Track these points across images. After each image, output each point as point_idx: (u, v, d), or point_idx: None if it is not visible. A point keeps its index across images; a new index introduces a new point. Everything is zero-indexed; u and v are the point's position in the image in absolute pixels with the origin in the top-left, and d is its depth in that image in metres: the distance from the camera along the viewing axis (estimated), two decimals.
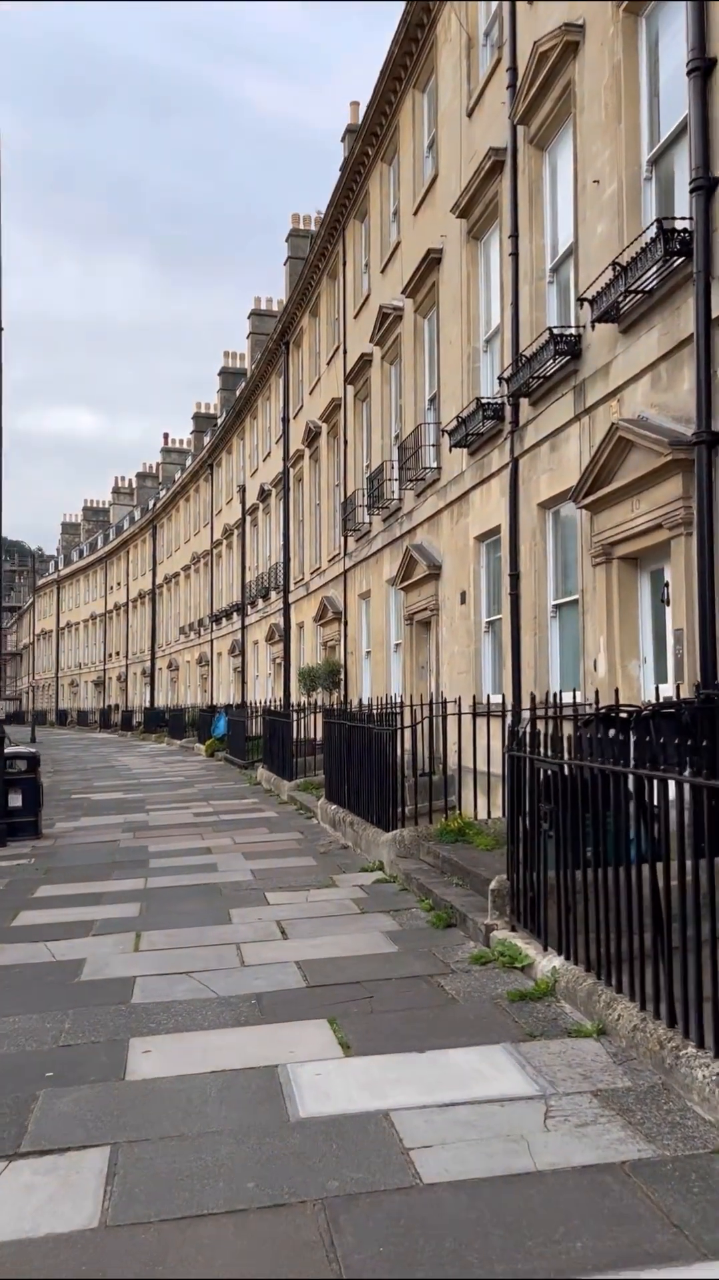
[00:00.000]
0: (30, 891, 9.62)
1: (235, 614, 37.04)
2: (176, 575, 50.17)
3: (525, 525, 11.63)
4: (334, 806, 12.74)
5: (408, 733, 10.46)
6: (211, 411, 53.07)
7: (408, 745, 10.34)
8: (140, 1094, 4.57)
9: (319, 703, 23.58)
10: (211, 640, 41.58)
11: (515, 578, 11.73)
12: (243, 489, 35.92)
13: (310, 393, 26.00)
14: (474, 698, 12.13)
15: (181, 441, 63.16)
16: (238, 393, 38.53)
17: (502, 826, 8.46)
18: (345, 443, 21.78)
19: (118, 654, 64.88)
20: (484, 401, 12.37)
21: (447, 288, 14.81)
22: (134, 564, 61.74)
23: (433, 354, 16.13)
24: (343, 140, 25.05)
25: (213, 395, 53.37)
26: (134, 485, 74.05)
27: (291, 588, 28.02)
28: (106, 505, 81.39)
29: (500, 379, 11.86)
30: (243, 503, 35.63)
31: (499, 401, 12.26)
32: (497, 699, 12.40)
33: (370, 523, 19.53)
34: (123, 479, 77.83)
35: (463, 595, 13.95)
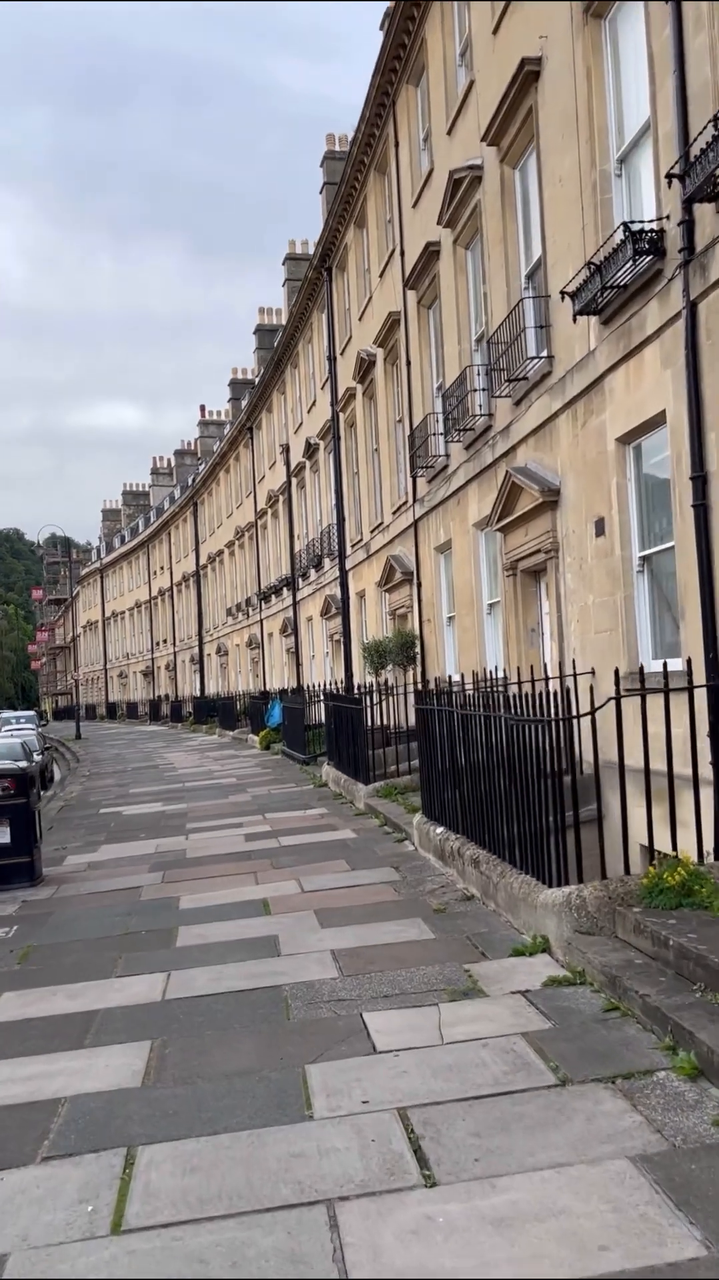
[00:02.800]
0: None
1: (285, 589, 33.37)
2: (220, 553, 46.67)
3: (713, 401, 7.69)
4: (440, 830, 8.95)
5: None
6: (249, 377, 49.31)
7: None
8: None
9: (389, 682, 19.83)
10: (261, 620, 38.00)
11: (701, 481, 7.79)
12: (286, 448, 32.15)
13: (360, 318, 22.08)
14: (624, 666, 8.26)
15: (219, 413, 59.56)
16: (276, 345, 34.73)
17: None
18: (408, 364, 17.85)
19: (165, 642, 61.78)
20: (637, 228, 8.40)
21: (552, 106, 10.81)
22: (176, 546, 58.47)
23: (530, 211, 12.14)
24: None
25: (250, 359, 49.61)
26: (173, 464, 70.66)
27: (348, 551, 24.22)
28: (146, 488, 78.28)
29: (671, 176, 7.87)
30: (287, 464, 31.86)
31: (655, 230, 8.31)
32: (657, 666, 8.54)
33: (448, 454, 15.63)
34: (161, 459, 74.71)
35: (599, 524, 10.02)
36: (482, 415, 13.64)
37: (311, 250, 27.90)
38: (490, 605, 14.43)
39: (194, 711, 45.14)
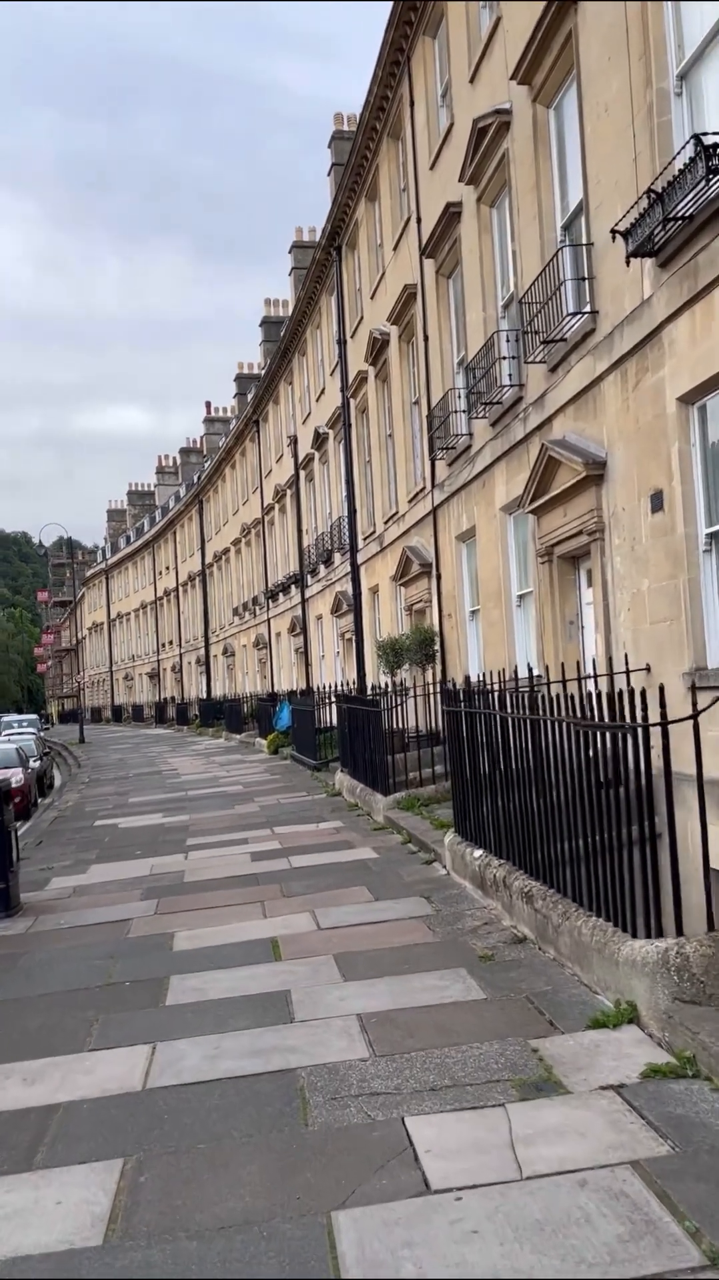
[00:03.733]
0: None
1: (293, 586, 32.11)
2: (226, 552, 45.43)
3: None
4: (478, 854, 7.65)
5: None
6: (255, 372, 48.04)
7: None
8: None
9: (405, 683, 18.56)
10: (269, 619, 36.74)
11: None
12: (294, 440, 30.89)
13: (373, 296, 20.80)
14: (687, 661, 6.98)
15: (225, 410, 58.30)
16: (282, 334, 33.49)
17: None
18: (425, 340, 16.56)
19: (170, 643, 60.57)
20: (711, 140, 7.09)
21: (595, 25, 9.50)
22: (182, 545, 57.27)
23: (567, 152, 10.85)
24: None
25: (255, 354, 48.31)
26: (178, 463, 69.36)
27: (360, 545, 22.94)
28: (152, 488, 77.11)
29: None
30: (295, 456, 30.61)
31: None
32: None
33: (470, 433, 14.33)
34: (166, 458, 73.40)
35: (655, 498, 8.71)
36: (510, 386, 12.34)
37: (319, 238, 26.59)
38: (520, 596, 13.13)
39: (200, 714, 43.92)
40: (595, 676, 8.10)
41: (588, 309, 9.95)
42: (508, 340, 12.33)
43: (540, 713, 6.47)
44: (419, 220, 16.56)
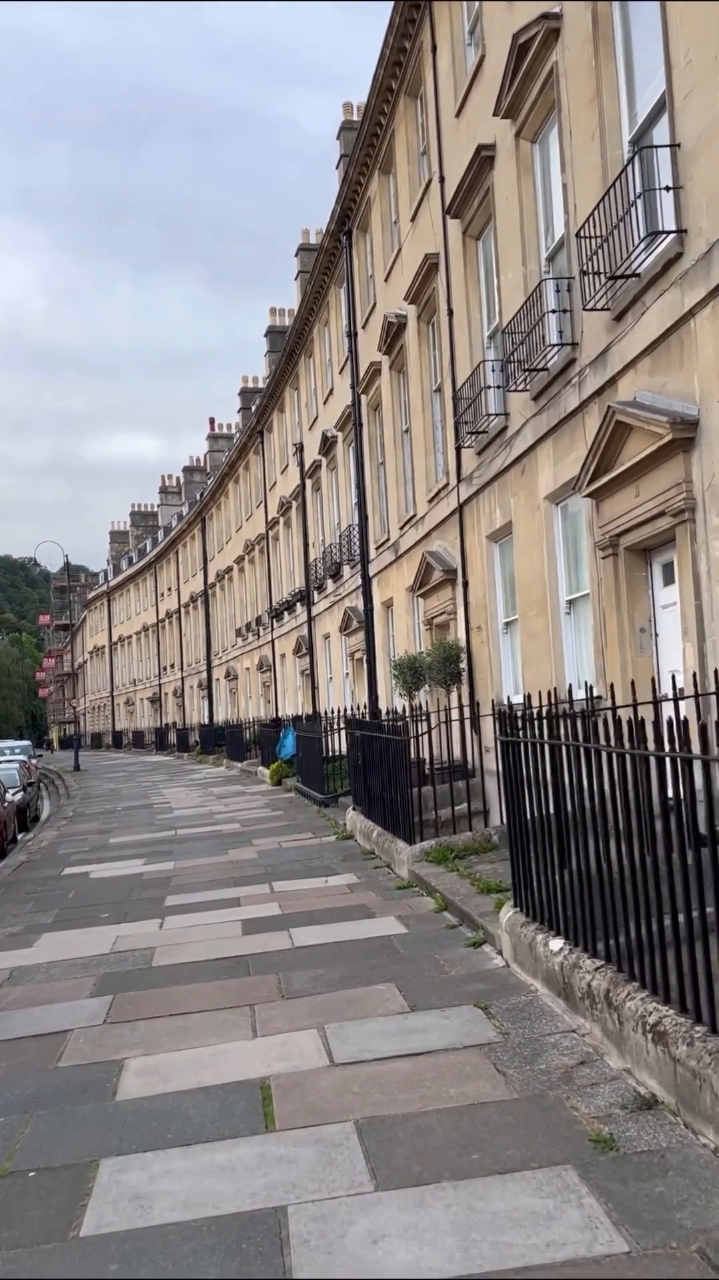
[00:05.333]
0: None
1: (299, 604, 29.96)
2: (229, 570, 43.34)
3: None
4: (557, 944, 5.39)
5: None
6: (259, 385, 46.16)
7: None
8: None
9: (425, 705, 16.35)
10: (273, 640, 34.56)
11: None
12: (299, 448, 28.85)
13: (387, 278, 18.77)
14: None
15: (229, 426, 56.45)
16: (287, 335, 31.56)
17: None
18: (449, 314, 14.48)
19: (172, 667, 58.40)
20: None
21: None
22: (184, 566, 55.25)
23: (637, 46, 8.77)
24: None
25: (260, 367, 46.41)
26: (182, 482, 67.53)
27: (372, 554, 20.79)
28: (155, 508, 75.27)
29: None
30: (301, 464, 28.56)
31: None
32: None
33: (506, 412, 12.19)
34: (170, 477, 71.53)
35: None
36: (560, 346, 10.20)
37: (327, 223, 24.53)
38: (570, 602, 10.94)
39: (200, 741, 41.72)
40: (680, 698, 5.89)
41: (671, 229, 7.81)
42: (557, 290, 10.21)
43: (670, 745, 4.25)
44: (442, 180, 14.51)
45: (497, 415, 12.46)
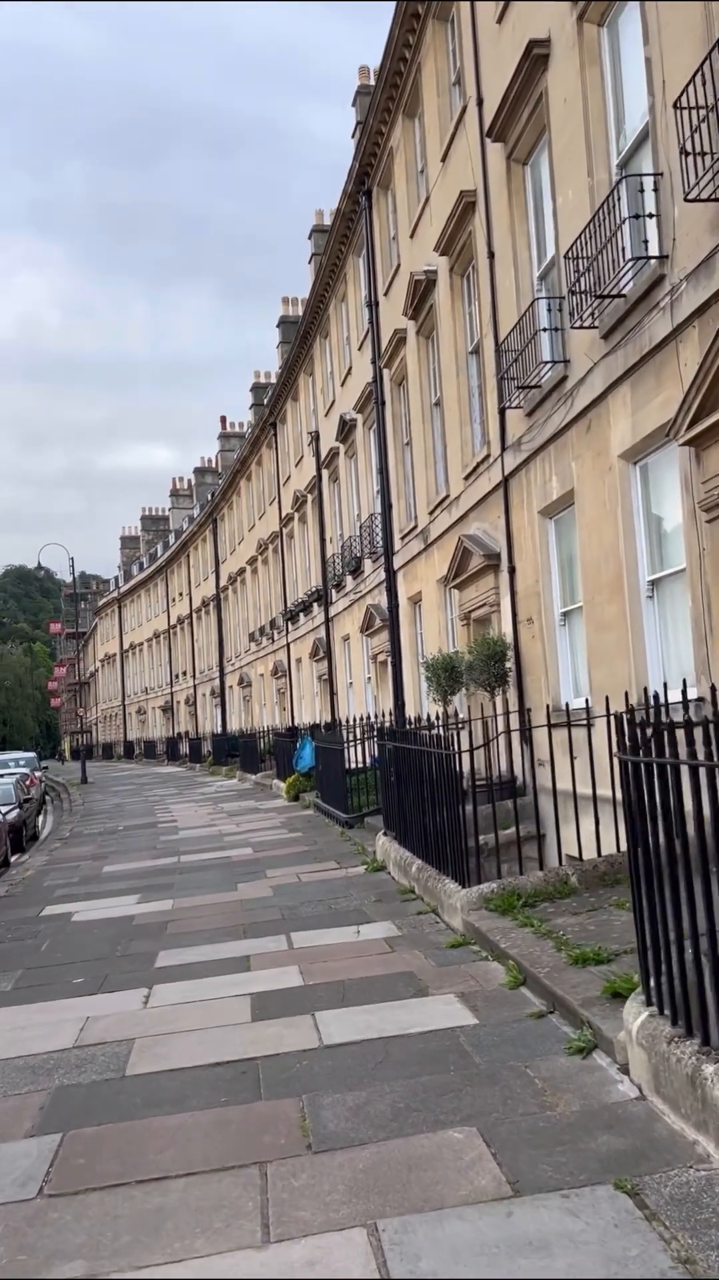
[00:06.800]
0: None
1: (315, 604, 27.98)
2: (242, 572, 41.43)
3: None
4: None
5: None
6: (272, 380, 44.27)
7: None
8: None
9: (460, 712, 14.35)
10: (288, 644, 32.58)
11: None
12: (315, 436, 26.91)
13: (413, 234, 16.79)
14: None
15: (240, 425, 54.59)
16: (301, 318, 29.66)
17: None
18: (491, 257, 12.47)
19: (184, 674, 56.51)
20: None
21: None
22: (195, 569, 53.41)
23: None
24: None
25: (273, 362, 44.50)
26: (192, 484, 65.72)
27: (397, 546, 18.79)
28: (165, 512, 73.50)
29: None
30: (317, 454, 26.61)
31: None
32: None
33: (567, 358, 10.16)
34: (181, 479, 69.81)
35: None
36: (641, 262, 8.18)
37: (345, 185, 22.51)
38: (654, 582, 8.91)
39: (213, 751, 39.75)
40: None
41: None
42: (640, 190, 8.19)
43: None
44: (480, 104, 12.54)
45: (553, 364, 10.44)
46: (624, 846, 8.14)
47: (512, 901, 7.27)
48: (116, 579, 79.95)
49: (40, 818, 28.88)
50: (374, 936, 7.75)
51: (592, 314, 9.14)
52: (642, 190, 8.16)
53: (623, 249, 8.47)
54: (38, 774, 35.34)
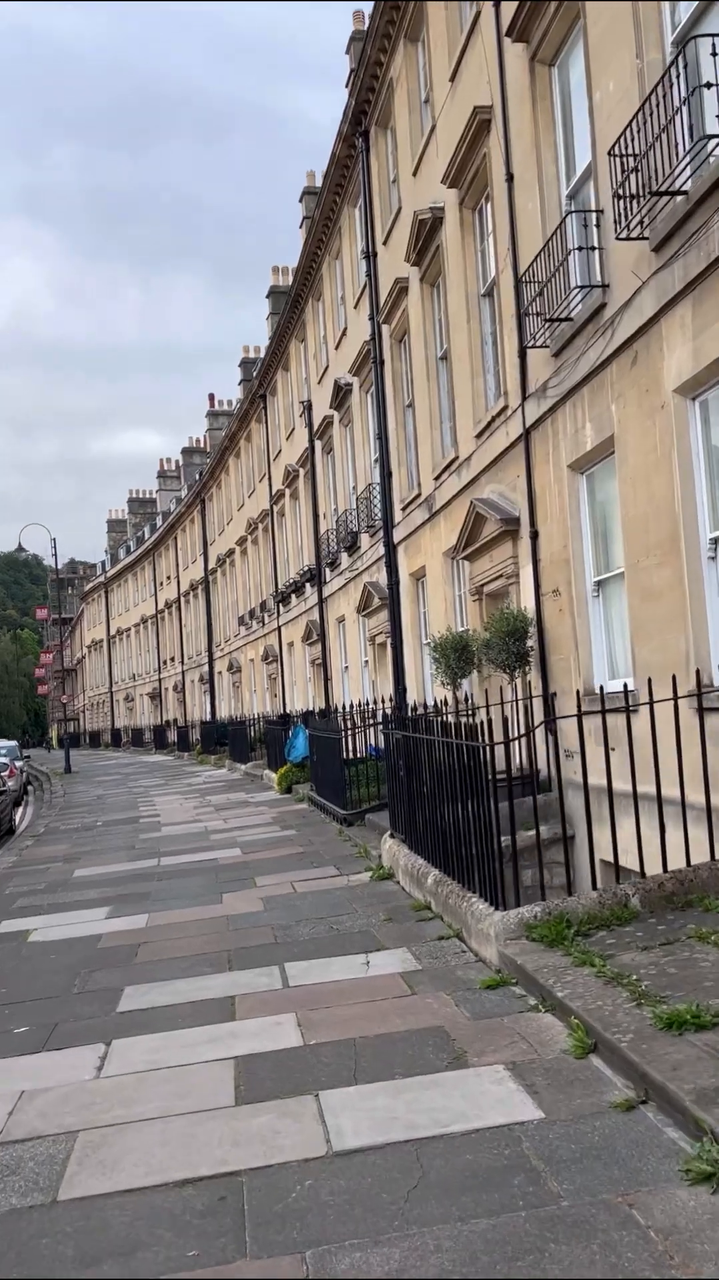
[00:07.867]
0: None
1: (308, 585, 26.49)
2: (231, 553, 39.89)
3: None
4: None
5: None
6: (262, 355, 42.59)
7: None
8: None
9: (470, 696, 12.88)
10: (279, 627, 31.09)
11: None
12: (308, 405, 25.38)
13: (415, 170, 15.21)
14: None
15: (228, 403, 52.88)
16: (292, 281, 28.05)
17: None
18: (509, 180, 10.95)
19: (172, 660, 54.97)
20: None
21: None
22: (183, 552, 51.79)
23: None
24: None
25: (264, 338, 42.76)
26: (180, 465, 64.03)
27: (398, 517, 17.31)
28: (153, 494, 71.77)
29: None
30: (309, 425, 25.09)
31: None
32: None
33: (605, 282, 8.67)
34: (168, 461, 68.10)
35: None
36: (712, 144, 6.69)
37: (340, 126, 20.78)
38: (717, 540, 7.46)
39: (201, 739, 38.29)
40: None
41: None
42: (713, 54, 6.69)
43: None
44: (497, 4, 11.00)
45: (588, 289, 8.95)
46: (695, 859, 6.73)
47: (561, 930, 5.83)
48: (103, 563, 78.20)
49: (20, 809, 27.39)
50: (388, 970, 6.31)
51: (640, 220, 7.65)
52: (714, 53, 6.65)
53: (683, 135, 6.99)
54: (18, 764, 33.72)
